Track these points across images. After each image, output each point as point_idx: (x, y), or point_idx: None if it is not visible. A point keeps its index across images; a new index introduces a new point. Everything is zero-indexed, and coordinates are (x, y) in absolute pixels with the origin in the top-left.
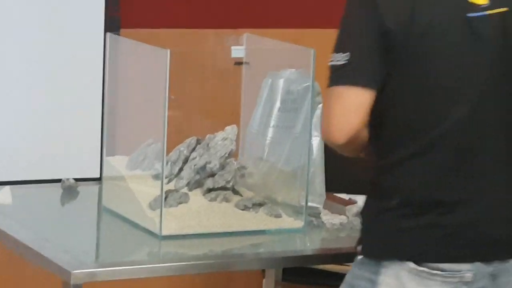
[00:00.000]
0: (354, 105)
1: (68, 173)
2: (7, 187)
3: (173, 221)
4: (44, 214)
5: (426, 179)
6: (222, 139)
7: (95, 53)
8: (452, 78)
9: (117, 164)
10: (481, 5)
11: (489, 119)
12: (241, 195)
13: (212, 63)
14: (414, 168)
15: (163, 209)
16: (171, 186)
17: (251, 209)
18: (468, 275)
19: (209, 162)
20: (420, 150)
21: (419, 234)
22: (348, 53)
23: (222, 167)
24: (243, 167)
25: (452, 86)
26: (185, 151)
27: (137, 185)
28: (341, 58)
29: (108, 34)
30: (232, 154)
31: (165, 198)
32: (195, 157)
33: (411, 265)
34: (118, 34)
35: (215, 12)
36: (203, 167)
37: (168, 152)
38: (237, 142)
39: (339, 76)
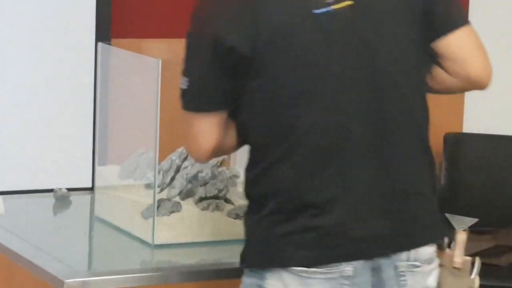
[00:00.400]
0: (203, 129)
1: (60, 183)
2: (0, 197)
3: (166, 230)
4: (37, 223)
5: (292, 184)
6: None
7: (86, 63)
8: (303, 80)
9: (109, 173)
10: (326, 0)
11: (348, 117)
12: (233, 204)
13: None
14: (280, 174)
15: (156, 218)
16: (163, 195)
17: (243, 218)
18: (348, 269)
19: (201, 171)
20: (282, 156)
21: (293, 239)
22: (187, 79)
23: (214, 176)
24: (235, 176)
25: (304, 89)
26: (177, 160)
27: (129, 195)
28: (183, 83)
29: (99, 44)
30: (224, 163)
31: (158, 207)
32: (187, 166)
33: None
34: (109, 44)
35: None
36: (195, 176)
37: (160, 161)
38: None
39: (185, 102)
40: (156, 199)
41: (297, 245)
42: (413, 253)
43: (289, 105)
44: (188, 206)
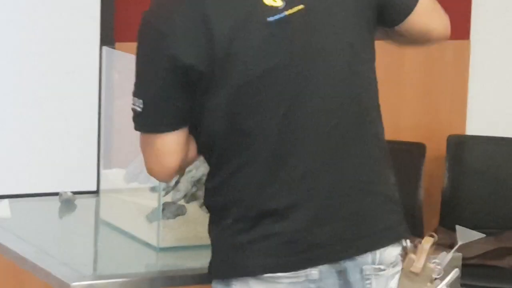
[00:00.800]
0: (166, 149)
1: (65, 187)
2: (6, 201)
3: (171, 233)
4: (42, 227)
5: (251, 191)
6: None
7: (91, 67)
8: (261, 89)
9: (114, 177)
10: (278, 7)
11: (302, 124)
12: None
13: None
14: (240, 183)
15: (161, 221)
16: (168, 198)
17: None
18: (314, 273)
19: (206, 175)
20: (242, 165)
21: (257, 247)
22: (141, 101)
23: None
24: None
25: (262, 98)
26: None
27: (134, 198)
28: (138, 104)
29: (104, 47)
30: None
31: (162, 210)
32: (192, 170)
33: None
34: (113, 48)
35: None
36: (200, 180)
37: None
38: None
39: (140, 123)
40: (161, 202)
41: (261, 252)
42: (378, 255)
43: (248, 115)
44: (193, 209)
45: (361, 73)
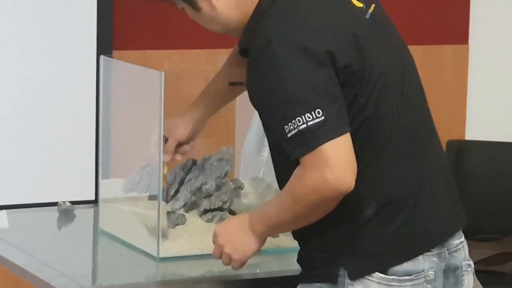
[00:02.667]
0: (349, 148)
1: (63, 196)
2: (4, 211)
3: (170, 242)
4: (41, 237)
5: (389, 178)
6: (218, 159)
7: (88, 75)
8: (387, 78)
9: (113, 186)
10: (362, 7)
11: (413, 105)
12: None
13: (206, 83)
14: (378, 173)
15: (160, 231)
16: (167, 207)
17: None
18: (431, 273)
19: (205, 183)
20: (377, 154)
21: (406, 231)
22: (319, 110)
23: (218, 188)
24: (239, 188)
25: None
26: (181, 173)
27: (134, 207)
28: (313, 117)
29: (101, 56)
30: (228, 175)
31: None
32: (191, 179)
33: (380, 275)
34: (111, 56)
35: (207, 32)
36: (199, 188)
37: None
38: (233, 162)
39: (328, 130)
40: (161, 211)
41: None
42: (467, 252)
43: (391, 103)
44: (193, 218)
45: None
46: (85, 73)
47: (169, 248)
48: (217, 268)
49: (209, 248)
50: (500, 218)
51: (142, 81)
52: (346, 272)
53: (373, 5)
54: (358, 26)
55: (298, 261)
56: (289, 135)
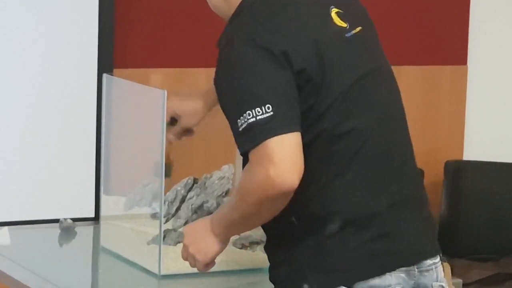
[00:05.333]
0: (296, 147)
1: (64, 213)
2: (5, 228)
3: (172, 260)
4: (42, 254)
5: (356, 194)
6: (219, 178)
7: (89, 93)
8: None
9: (114, 204)
10: (346, 27)
11: (394, 126)
12: (238, 234)
13: None
14: (342, 188)
15: (162, 248)
16: (168, 225)
17: (248, 248)
18: None
19: (206, 201)
20: (343, 169)
21: (371, 248)
22: (268, 105)
23: (219, 206)
24: None
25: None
26: (182, 191)
27: (135, 225)
28: (263, 111)
29: (104, 75)
30: (229, 193)
31: (164, 237)
32: (192, 197)
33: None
34: (112, 74)
35: (208, 50)
36: (201, 206)
37: (165, 192)
38: (234, 180)
39: (272, 127)
40: (162, 229)
41: (375, 253)
42: (439, 273)
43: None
44: None
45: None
46: (86, 91)
47: (170, 265)
48: (218, 285)
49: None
50: (497, 238)
51: (144, 99)
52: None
53: (359, 28)
54: (326, 37)
55: (269, 277)
56: (240, 129)
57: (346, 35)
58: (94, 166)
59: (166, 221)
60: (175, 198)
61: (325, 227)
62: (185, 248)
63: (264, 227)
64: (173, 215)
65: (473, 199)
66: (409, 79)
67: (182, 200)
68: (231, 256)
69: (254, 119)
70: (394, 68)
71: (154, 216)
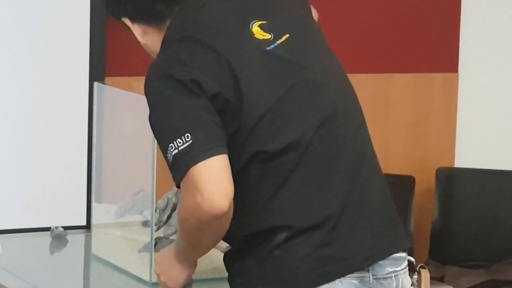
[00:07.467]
0: (219, 169)
1: (55, 222)
2: None
3: None
4: (34, 262)
5: (304, 204)
6: None
7: (81, 101)
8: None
9: (105, 212)
10: (269, 38)
11: (335, 134)
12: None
13: None
14: (284, 202)
15: (153, 256)
16: (160, 233)
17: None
18: None
19: None
20: (284, 183)
21: (316, 257)
22: (188, 134)
23: None
24: None
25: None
26: (173, 198)
27: (126, 233)
28: (183, 141)
29: (95, 83)
30: None
31: (155, 245)
32: None
33: None
34: (104, 82)
35: None
36: None
37: (156, 200)
38: None
39: (197, 153)
40: (153, 237)
41: (321, 262)
42: (400, 282)
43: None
44: None
45: (346, 80)
46: (77, 99)
47: None
48: None
49: (201, 273)
50: (489, 245)
51: (135, 107)
52: None
53: (286, 36)
54: (242, 57)
55: None
56: (169, 163)
57: (268, 48)
58: (86, 174)
59: (158, 229)
60: (166, 206)
61: (272, 239)
62: (157, 277)
63: (223, 239)
64: (165, 223)
65: (464, 206)
66: (401, 87)
67: (174, 208)
68: (222, 264)
69: (176, 150)
70: (385, 76)
71: (145, 224)
